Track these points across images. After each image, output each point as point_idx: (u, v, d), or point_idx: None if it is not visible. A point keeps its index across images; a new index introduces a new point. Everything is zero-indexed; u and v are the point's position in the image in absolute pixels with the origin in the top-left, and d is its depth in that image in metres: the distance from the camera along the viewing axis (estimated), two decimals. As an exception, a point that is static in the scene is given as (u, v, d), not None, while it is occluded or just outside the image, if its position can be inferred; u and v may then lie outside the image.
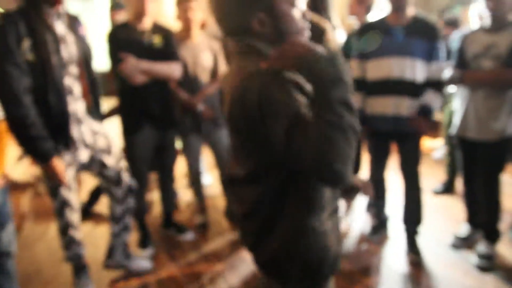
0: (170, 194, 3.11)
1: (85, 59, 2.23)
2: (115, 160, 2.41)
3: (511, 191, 2.99)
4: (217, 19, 1.19)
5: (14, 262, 1.98)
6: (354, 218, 3.41)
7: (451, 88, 3.39)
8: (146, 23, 2.63)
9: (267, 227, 1.22)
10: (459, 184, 3.38)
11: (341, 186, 1.08)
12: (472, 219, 2.91)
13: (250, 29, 1.14)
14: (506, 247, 2.88)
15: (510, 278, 2.57)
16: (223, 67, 3.12)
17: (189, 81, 2.97)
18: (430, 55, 2.53)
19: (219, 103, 3.19)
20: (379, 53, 2.58)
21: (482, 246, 2.73)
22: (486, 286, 2.51)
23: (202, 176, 3.37)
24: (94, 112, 2.32)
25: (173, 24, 3.02)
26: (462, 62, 2.61)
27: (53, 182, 2.17)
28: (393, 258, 2.83)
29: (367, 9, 3.34)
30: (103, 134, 2.36)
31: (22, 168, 4.77)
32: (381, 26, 2.60)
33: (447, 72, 2.62)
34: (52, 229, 3.31)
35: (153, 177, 3.58)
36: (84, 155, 2.26)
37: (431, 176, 4.13)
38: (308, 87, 1.11)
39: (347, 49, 2.86)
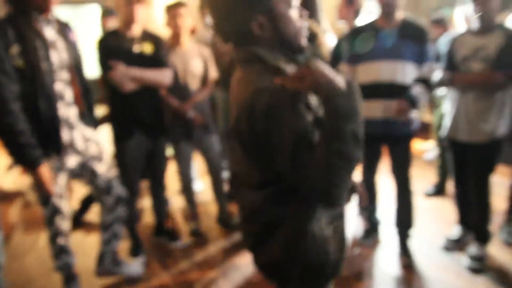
0: (162, 201, 3.09)
1: (76, 65, 2.23)
2: (106, 168, 2.39)
3: (501, 192, 3.00)
4: (216, 25, 1.20)
5: (3, 272, 1.96)
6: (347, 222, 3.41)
7: (441, 91, 3.42)
8: (136, 30, 2.63)
9: (269, 230, 1.24)
10: (450, 186, 3.39)
11: (334, 207, 1.15)
12: (464, 220, 2.92)
13: (250, 33, 1.15)
14: (497, 248, 2.90)
15: (501, 279, 2.58)
16: (213, 74, 3.12)
17: (179, 88, 2.96)
18: (420, 58, 2.54)
19: (209, 109, 3.19)
20: (369, 57, 2.58)
21: (473, 248, 2.75)
22: (478, 287, 2.52)
23: (194, 183, 3.36)
24: (87, 117, 2.31)
25: (163, 31, 3.01)
26: (452, 64, 2.63)
27: (41, 190, 2.15)
28: (386, 262, 2.84)
29: (356, 13, 3.36)
30: (95, 141, 2.35)
31: (11, 178, 4.72)
32: (370, 29, 2.61)
33: (437, 75, 2.63)
34: (42, 239, 3.28)
35: (144, 185, 3.56)
36: (73, 161, 2.25)
37: (423, 178, 4.15)
38: (318, 106, 1.14)
39: (337, 53, 2.87)
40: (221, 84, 3.54)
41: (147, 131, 2.73)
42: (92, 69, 2.81)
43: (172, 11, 2.88)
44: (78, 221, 3.51)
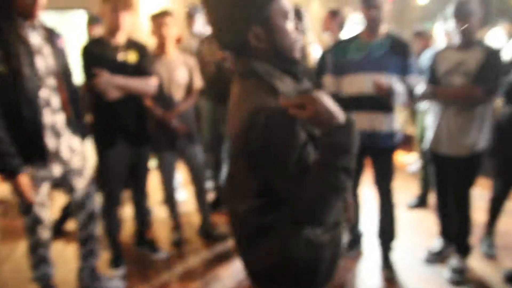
0: (143, 211, 3.05)
1: (64, 71, 2.21)
2: (85, 183, 2.37)
3: (481, 205, 3.04)
4: (215, 34, 1.22)
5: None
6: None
7: (424, 105, 3.46)
8: (121, 38, 2.61)
9: (261, 235, 1.24)
10: (432, 198, 3.42)
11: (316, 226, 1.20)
12: (445, 233, 2.95)
13: (247, 44, 1.17)
14: (477, 260, 2.92)
15: (482, 291, 2.61)
16: (198, 83, 3.11)
17: (163, 97, 2.95)
18: (403, 71, 2.57)
19: (194, 119, 3.17)
20: (354, 69, 2.60)
21: (454, 260, 2.77)
22: (459, 300, 2.54)
23: (177, 192, 3.33)
24: (74, 124, 2.28)
25: (148, 39, 3.00)
26: (434, 78, 2.66)
27: (21, 199, 2.11)
28: (368, 274, 2.84)
29: (341, 25, 3.39)
30: (80, 153, 2.33)
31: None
32: (355, 42, 2.63)
33: (420, 88, 2.67)
34: (19, 249, 3.20)
35: (126, 194, 3.52)
36: (57, 170, 2.22)
37: (406, 190, 4.18)
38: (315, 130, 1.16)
39: (322, 65, 2.88)
40: (206, 94, 3.54)
41: (130, 139, 2.70)
42: (77, 76, 2.78)
43: (158, 20, 2.87)
44: (59, 231, 3.45)
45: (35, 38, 2.09)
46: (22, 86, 2.00)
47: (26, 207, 2.18)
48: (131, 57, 2.62)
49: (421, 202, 3.89)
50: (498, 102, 2.84)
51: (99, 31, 3.61)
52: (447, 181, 2.80)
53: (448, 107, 2.62)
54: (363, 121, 2.60)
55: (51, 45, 2.16)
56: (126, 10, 2.52)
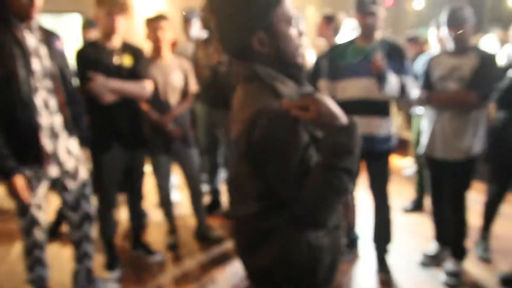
0: (139, 214, 3.05)
1: (62, 73, 2.20)
2: (78, 185, 2.36)
3: (476, 209, 3.05)
4: (219, 37, 1.23)
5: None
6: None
7: (419, 109, 3.48)
8: (116, 42, 2.61)
9: (263, 237, 1.24)
10: (428, 202, 3.43)
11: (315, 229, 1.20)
12: (440, 236, 2.96)
13: (250, 48, 1.18)
14: (473, 264, 2.93)
15: (477, 295, 2.61)
16: (193, 87, 3.12)
17: (159, 101, 2.95)
18: (399, 73, 2.57)
19: (189, 122, 3.17)
20: (349, 74, 2.60)
21: (449, 264, 2.78)
22: (454, 303, 2.55)
23: (172, 193, 3.32)
24: (72, 126, 2.28)
25: (143, 43, 3.00)
26: (429, 83, 2.68)
27: (17, 201, 2.10)
28: (364, 277, 2.84)
29: (335, 31, 3.41)
30: (75, 156, 2.32)
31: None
32: (350, 47, 2.64)
33: (415, 93, 2.68)
34: (14, 251, 3.19)
35: (121, 198, 3.51)
36: (54, 171, 2.22)
37: (401, 194, 4.19)
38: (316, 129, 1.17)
39: (317, 70, 2.89)
40: (201, 98, 3.55)
41: (125, 143, 2.70)
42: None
43: (153, 24, 2.87)
44: (54, 233, 3.43)
45: (31, 40, 2.08)
46: (17, 88, 2.00)
47: (22, 209, 2.18)
48: (126, 60, 2.62)
49: (417, 206, 3.90)
50: (491, 107, 2.86)
51: (94, 35, 3.61)
52: (442, 185, 2.82)
53: (443, 111, 2.63)
54: (361, 125, 2.59)
55: (48, 46, 2.15)
56: (121, 14, 2.53)
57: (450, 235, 2.82)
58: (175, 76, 2.99)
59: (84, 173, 2.40)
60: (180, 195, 4.20)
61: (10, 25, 2.01)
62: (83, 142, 2.42)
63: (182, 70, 3.04)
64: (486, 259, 2.98)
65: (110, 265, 2.86)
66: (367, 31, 2.57)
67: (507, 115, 2.76)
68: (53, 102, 2.16)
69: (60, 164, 2.23)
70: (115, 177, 2.75)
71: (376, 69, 2.37)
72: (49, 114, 2.14)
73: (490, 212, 3.00)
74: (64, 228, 3.50)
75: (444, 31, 2.56)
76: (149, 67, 2.87)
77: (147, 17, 2.95)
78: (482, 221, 3.05)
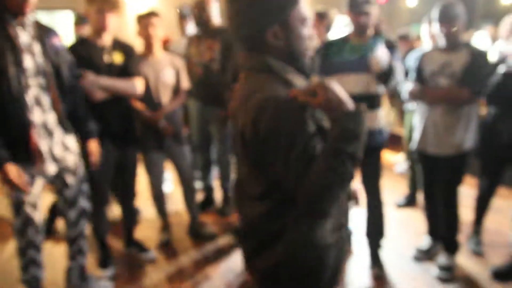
0: (131, 212, 3.04)
1: (56, 70, 2.17)
2: (78, 181, 2.35)
3: (468, 203, 3.07)
4: (233, 26, 1.26)
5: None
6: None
7: (411, 105, 3.49)
8: (106, 39, 2.60)
9: (270, 238, 1.26)
10: (421, 197, 3.45)
11: (318, 218, 1.21)
12: (433, 231, 2.97)
13: (264, 39, 1.21)
14: (465, 257, 2.95)
15: (470, 288, 2.63)
16: (185, 84, 3.11)
17: (150, 98, 2.94)
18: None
19: (181, 119, 3.17)
20: (341, 70, 2.60)
21: (442, 258, 2.79)
22: (447, 297, 2.56)
23: (164, 184, 3.32)
24: (66, 123, 2.26)
25: (134, 40, 3.00)
26: (420, 79, 2.69)
27: (11, 189, 2.08)
28: (357, 273, 2.85)
29: (327, 27, 3.41)
30: (73, 152, 2.32)
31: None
32: (342, 43, 2.63)
33: (407, 88, 2.69)
34: (7, 250, 3.17)
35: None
36: (51, 168, 2.20)
37: (394, 189, 4.20)
38: (322, 118, 1.19)
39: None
40: (193, 95, 3.54)
41: (117, 141, 2.69)
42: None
43: (144, 20, 2.86)
44: (48, 231, 3.41)
45: (24, 36, 2.06)
46: (6, 84, 1.98)
47: (17, 207, 2.16)
48: (117, 58, 2.61)
49: (410, 202, 3.91)
50: (481, 103, 2.87)
51: (86, 31, 3.60)
52: (434, 180, 2.83)
53: (435, 107, 2.64)
54: None
55: (42, 43, 2.13)
56: (112, 11, 2.51)
57: (443, 230, 2.84)
58: (167, 73, 2.98)
59: (81, 169, 2.39)
60: (171, 186, 4.22)
61: (2, 21, 1.99)
62: (89, 135, 2.43)
63: (173, 67, 3.04)
64: (478, 253, 3.00)
65: (103, 263, 2.86)
66: (360, 29, 2.57)
67: (497, 111, 2.78)
68: (46, 99, 2.14)
69: (57, 160, 2.22)
70: (106, 175, 2.74)
71: (378, 69, 2.41)
72: (42, 111, 2.13)
73: (482, 206, 3.02)
74: (59, 226, 3.49)
75: (436, 27, 2.57)
76: (141, 64, 2.86)
77: (138, 13, 2.94)
78: (474, 215, 3.07)
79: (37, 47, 2.10)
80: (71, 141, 2.31)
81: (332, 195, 1.11)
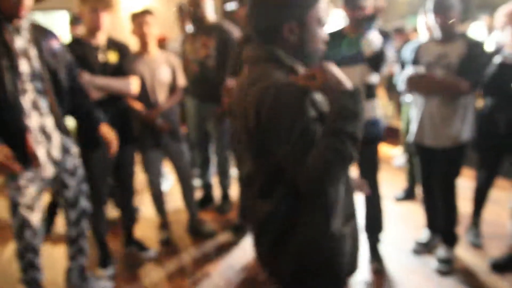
0: (130, 211, 3.04)
1: (54, 73, 2.15)
2: (77, 182, 2.35)
3: (467, 195, 3.07)
4: (253, 16, 1.30)
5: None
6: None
7: (408, 97, 3.48)
8: (101, 39, 2.59)
9: (282, 237, 1.28)
10: (419, 190, 3.45)
11: (320, 203, 1.22)
12: (432, 224, 2.97)
13: (279, 32, 1.26)
14: (464, 250, 2.95)
15: (469, 280, 2.64)
16: (181, 81, 3.10)
17: (147, 96, 2.94)
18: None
19: (178, 117, 3.17)
20: (339, 64, 2.58)
21: (441, 251, 2.80)
22: (446, 290, 2.57)
23: (163, 180, 3.32)
24: (65, 126, 2.25)
25: (129, 39, 2.99)
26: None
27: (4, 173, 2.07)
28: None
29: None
30: (73, 153, 2.31)
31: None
32: (338, 36, 2.62)
33: (407, 72, 2.68)
34: (7, 250, 3.18)
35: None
36: (49, 171, 2.19)
37: (393, 183, 4.20)
38: (323, 104, 1.23)
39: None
40: (190, 92, 3.54)
41: (113, 140, 2.68)
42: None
43: (138, 19, 2.85)
44: (48, 230, 3.42)
45: (19, 41, 2.04)
46: (2, 90, 1.96)
47: (13, 208, 2.15)
48: (112, 57, 2.61)
49: (409, 195, 3.91)
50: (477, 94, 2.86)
51: (81, 30, 3.59)
52: (432, 172, 2.82)
53: (431, 98, 2.63)
54: None
55: (38, 47, 2.10)
56: (106, 10, 2.51)
57: (441, 222, 2.84)
58: (163, 71, 2.98)
59: (80, 170, 2.39)
60: (170, 184, 4.23)
61: None
62: (99, 121, 2.42)
63: (169, 65, 3.03)
64: (477, 245, 3.01)
65: (103, 263, 2.86)
66: (355, 23, 2.56)
67: (494, 102, 2.77)
68: (43, 103, 2.13)
69: (55, 163, 2.22)
70: (104, 175, 2.74)
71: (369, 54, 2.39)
72: (39, 115, 2.11)
73: (480, 198, 3.02)
74: (58, 228, 3.50)
75: (431, 18, 2.56)
76: (136, 62, 2.86)
77: (133, 12, 2.93)
78: (472, 207, 3.07)
79: (33, 51, 2.08)
80: (70, 143, 2.31)
81: (333, 175, 1.12)
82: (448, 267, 2.73)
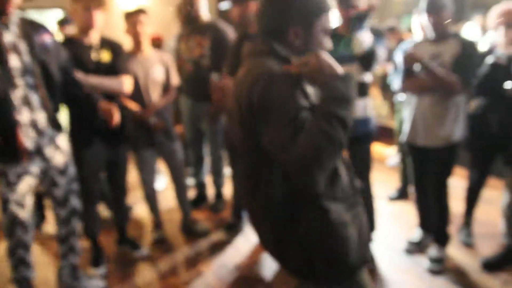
0: (123, 210, 3.04)
1: (45, 68, 2.14)
2: (67, 180, 2.34)
3: (459, 194, 3.08)
4: (262, 16, 1.36)
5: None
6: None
7: (401, 97, 3.49)
8: (94, 38, 2.58)
9: (286, 229, 1.30)
10: (413, 190, 3.46)
11: (310, 191, 1.20)
12: (424, 223, 2.98)
13: (284, 35, 1.32)
14: (456, 249, 2.97)
15: (460, 279, 2.65)
16: (175, 80, 3.10)
17: (140, 95, 2.93)
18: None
19: (172, 116, 3.16)
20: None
21: (433, 250, 2.81)
22: (438, 289, 2.58)
23: (157, 180, 3.31)
24: (57, 121, 2.24)
25: (123, 38, 2.98)
26: (410, 71, 2.68)
27: None
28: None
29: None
30: (64, 151, 2.30)
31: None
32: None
33: (397, 79, 2.69)
34: (1, 248, 3.17)
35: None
36: (37, 167, 2.18)
37: (387, 183, 4.22)
38: (314, 96, 1.27)
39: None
40: (184, 91, 3.54)
41: (106, 138, 2.68)
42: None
43: (132, 18, 2.85)
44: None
45: (8, 36, 2.03)
46: None
47: (3, 204, 2.14)
48: (105, 56, 2.60)
49: (402, 195, 3.92)
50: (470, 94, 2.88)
51: (69, 30, 3.59)
52: (424, 172, 2.83)
53: (423, 98, 2.64)
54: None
55: (29, 42, 2.09)
56: (99, 9, 2.50)
57: (433, 222, 2.85)
58: (156, 70, 2.97)
59: (72, 168, 2.38)
60: (164, 184, 4.23)
61: None
62: (97, 99, 2.45)
63: (163, 64, 3.03)
64: (469, 244, 3.02)
65: (96, 261, 2.86)
66: (348, 22, 2.56)
67: (486, 102, 2.78)
68: (35, 99, 2.12)
69: (45, 160, 2.21)
70: (96, 174, 2.74)
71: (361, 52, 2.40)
72: (30, 110, 2.10)
73: (472, 197, 3.03)
74: (49, 225, 3.49)
75: (424, 17, 2.57)
76: (129, 61, 2.85)
77: (126, 11, 2.92)
78: (464, 206, 3.08)
79: (23, 46, 2.07)
80: (62, 140, 2.30)
81: (321, 159, 1.12)
82: (440, 266, 2.74)
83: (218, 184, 3.76)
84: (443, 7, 2.51)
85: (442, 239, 2.80)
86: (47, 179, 2.29)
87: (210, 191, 3.92)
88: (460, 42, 2.56)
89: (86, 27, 2.53)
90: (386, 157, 5.05)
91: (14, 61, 2.03)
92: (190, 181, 4.01)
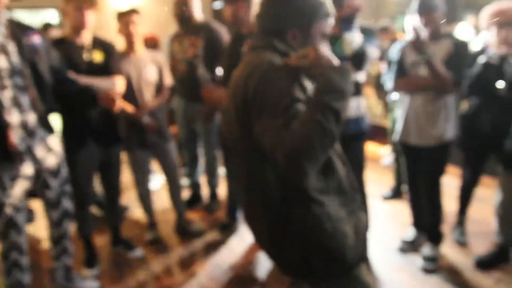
0: (117, 211, 3.04)
1: (34, 69, 2.12)
2: (60, 183, 2.33)
3: (452, 193, 3.09)
4: (262, 16, 1.38)
5: None
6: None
7: (394, 96, 3.50)
8: (86, 38, 2.58)
9: (285, 223, 1.30)
10: (406, 189, 3.47)
11: (300, 184, 1.19)
12: (418, 222, 3.00)
13: (283, 35, 1.34)
14: (450, 248, 2.98)
15: (454, 278, 2.66)
16: (168, 81, 3.10)
17: (133, 96, 2.93)
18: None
19: (165, 116, 3.16)
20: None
21: (427, 249, 2.82)
22: (431, 287, 2.58)
23: (152, 178, 3.31)
24: (48, 123, 2.23)
25: (115, 38, 2.97)
26: (402, 69, 2.70)
27: None
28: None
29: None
30: (56, 153, 2.29)
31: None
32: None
33: (390, 79, 2.69)
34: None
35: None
36: (29, 169, 2.17)
37: (381, 182, 4.22)
38: (310, 90, 1.27)
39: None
40: (178, 92, 3.53)
41: (99, 139, 2.68)
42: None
43: (125, 18, 2.84)
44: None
45: None
46: None
47: None
48: (97, 56, 2.59)
49: (396, 194, 3.93)
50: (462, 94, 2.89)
51: (54, 34, 3.59)
52: (417, 171, 2.84)
53: (415, 97, 2.66)
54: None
55: (18, 42, 2.07)
56: (91, 9, 2.49)
57: (427, 220, 2.86)
58: (149, 70, 2.97)
59: (64, 170, 2.37)
60: (159, 184, 4.22)
61: None
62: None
63: (156, 64, 3.02)
64: (462, 243, 3.03)
65: (89, 262, 2.85)
66: (338, 23, 2.56)
67: (478, 101, 2.79)
68: (25, 100, 2.10)
69: (37, 161, 2.20)
70: (89, 175, 2.73)
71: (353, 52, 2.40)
72: (20, 112, 2.09)
73: (465, 196, 3.04)
74: (42, 228, 3.47)
75: (416, 18, 2.58)
76: (122, 62, 2.85)
77: (119, 11, 2.92)
78: (457, 205, 3.10)
79: (12, 47, 2.05)
80: (54, 141, 2.29)
81: (311, 149, 1.10)
82: (434, 265, 2.75)
83: (212, 184, 3.76)
84: (435, 8, 2.52)
85: (435, 237, 2.81)
86: (40, 182, 2.28)
87: (205, 191, 3.91)
88: (453, 42, 2.58)
89: (78, 27, 2.52)
90: (380, 156, 5.06)
91: (2, 62, 2.01)
92: (184, 181, 4.01)
